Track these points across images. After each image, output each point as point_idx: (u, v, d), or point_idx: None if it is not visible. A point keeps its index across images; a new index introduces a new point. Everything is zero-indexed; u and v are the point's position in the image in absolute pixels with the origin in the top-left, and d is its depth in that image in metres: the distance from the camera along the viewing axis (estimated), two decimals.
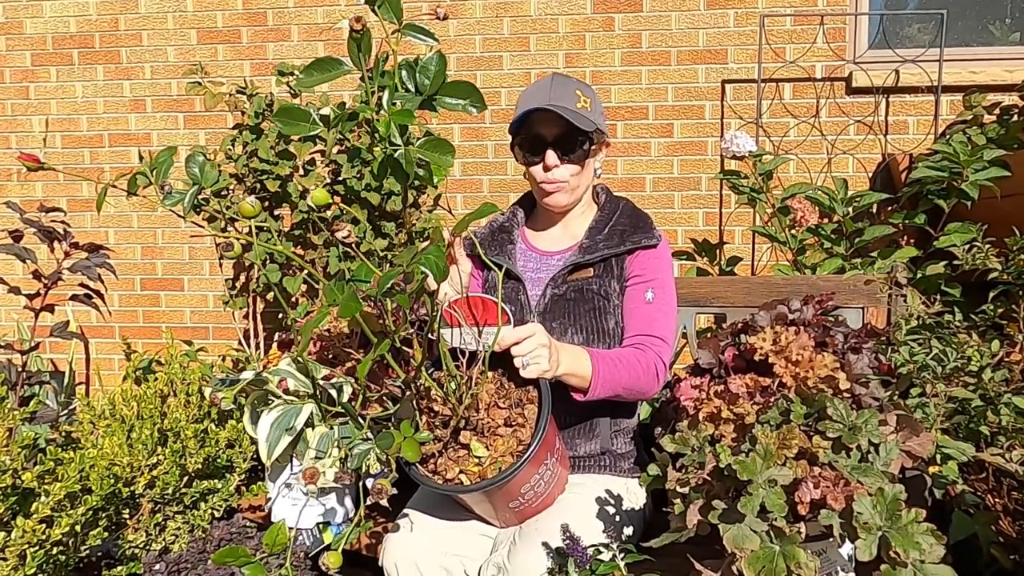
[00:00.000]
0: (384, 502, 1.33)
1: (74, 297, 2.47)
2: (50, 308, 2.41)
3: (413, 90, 1.25)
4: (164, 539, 1.84)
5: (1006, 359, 1.71)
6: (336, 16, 3.50)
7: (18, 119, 3.74)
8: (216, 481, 1.94)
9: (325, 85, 1.25)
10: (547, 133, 1.71)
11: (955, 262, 2.13)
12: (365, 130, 2.79)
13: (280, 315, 3.49)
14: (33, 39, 3.69)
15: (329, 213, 3.02)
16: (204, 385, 2.02)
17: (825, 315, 1.58)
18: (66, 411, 2.78)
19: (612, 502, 1.63)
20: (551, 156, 1.71)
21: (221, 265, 3.55)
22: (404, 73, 1.24)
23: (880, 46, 3.21)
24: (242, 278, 3.43)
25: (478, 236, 1.87)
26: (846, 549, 1.32)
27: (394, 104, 1.22)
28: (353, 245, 1.35)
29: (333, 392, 1.70)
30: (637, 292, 1.73)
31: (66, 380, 3.48)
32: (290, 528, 1.33)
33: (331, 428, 1.67)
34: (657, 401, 1.90)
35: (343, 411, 1.51)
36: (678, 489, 1.28)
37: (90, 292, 2.47)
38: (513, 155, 1.79)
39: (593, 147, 1.75)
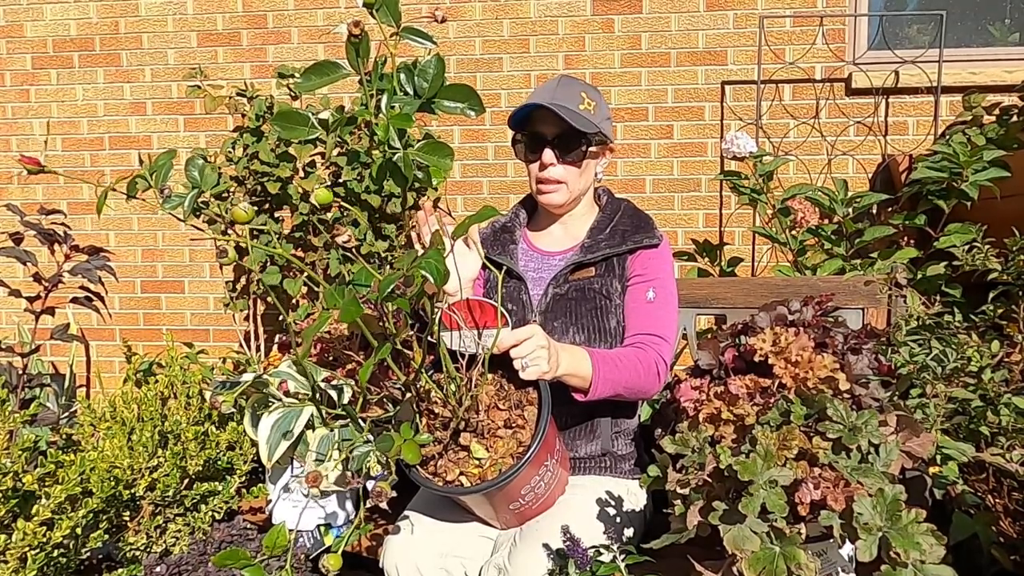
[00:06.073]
0: (384, 504, 1.33)
1: (75, 300, 2.47)
2: (50, 311, 2.41)
3: (412, 93, 1.25)
4: (165, 541, 1.84)
5: (1006, 359, 1.71)
6: (336, 18, 3.50)
7: (19, 122, 3.74)
8: (216, 483, 1.94)
9: (325, 87, 1.25)
10: (546, 132, 1.72)
11: (955, 263, 2.13)
12: (364, 132, 2.80)
13: (280, 317, 3.49)
14: (33, 42, 3.69)
15: (329, 215, 3.03)
16: (204, 388, 2.03)
17: (825, 316, 1.58)
18: (67, 414, 2.78)
19: (612, 503, 1.63)
20: (548, 155, 1.72)
21: (221, 267, 3.55)
22: (403, 76, 1.24)
23: (880, 47, 3.21)
24: (242, 280, 3.43)
25: (480, 235, 1.87)
26: (846, 550, 1.33)
27: (393, 107, 1.22)
28: (353, 249, 1.35)
29: (333, 394, 1.71)
30: (638, 291, 1.73)
31: (67, 383, 3.48)
32: (290, 530, 1.33)
33: (331, 430, 1.67)
34: (657, 402, 1.91)
35: (343, 413, 1.51)
36: (678, 490, 1.28)
37: (90, 295, 2.47)
38: (514, 152, 1.80)
39: (592, 149, 1.75)
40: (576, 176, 1.75)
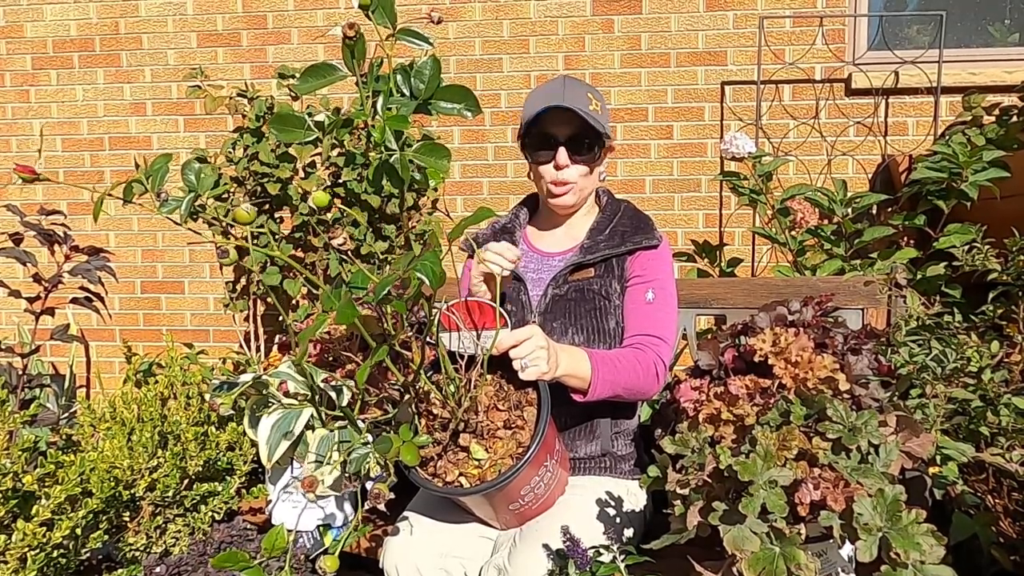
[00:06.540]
0: (382, 507, 1.33)
1: (74, 300, 2.47)
2: (50, 311, 2.41)
3: (408, 94, 1.24)
4: (164, 542, 1.84)
5: (1006, 360, 1.71)
6: (336, 18, 3.50)
7: (19, 123, 3.75)
8: (216, 484, 1.94)
9: (325, 88, 1.25)
10: (560, 132, 1.71)
11: (955, 263, 2.13)
12: (363, 133, 2.80)
13: (280, 318, 3.49)
14: (34, 43, 3.69)
15: (329, 215, 3.03)
16: (204, 388, 2.03)
17: (825, 316, 1.58)
18: (67, 414, 2.78)
19: (612, 504, 1.63)
20: (562, 155, 1.71)
21: (221, 268, 3.55)
22: (399, 77, 1.24)
23: (879, 47, 3.21)
24: (242, 281, 3.44)
25: (480, 237, 1.87)
26: (846, 550, 1.32)
27: (389, 109, 1.22)
28: (349, 252, 1.35)
29: (333, 395, 1.70)
30: (638, 292, 1.73)
31: (66, 383, 3.48)
32: (290, 530, 1.33)
33: (331, 431, 1.67)
34: (657, 403, 1.90)
35: (343, 414, 1.51)
36: (678, 490, 1.28)
37: (90, 295, 2.47)
38: (523, 154, 1.79)
39: (602, 150, 1.76)
40: (586, 177, 1.76)
